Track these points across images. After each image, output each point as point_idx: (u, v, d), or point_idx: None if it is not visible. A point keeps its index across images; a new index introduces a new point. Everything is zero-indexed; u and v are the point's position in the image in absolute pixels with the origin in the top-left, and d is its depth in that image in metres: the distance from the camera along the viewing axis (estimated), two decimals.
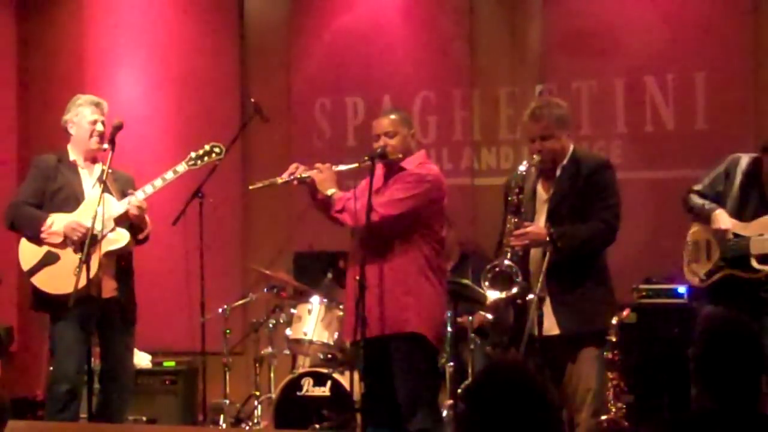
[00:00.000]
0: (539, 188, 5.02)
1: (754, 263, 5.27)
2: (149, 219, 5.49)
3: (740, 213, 5.36)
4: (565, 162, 4.94)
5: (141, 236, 5.50)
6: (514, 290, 4.81)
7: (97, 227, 5.11)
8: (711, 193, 5.44)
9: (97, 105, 5.52)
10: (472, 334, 6.29)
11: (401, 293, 5.00)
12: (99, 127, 5.48)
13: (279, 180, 5.16)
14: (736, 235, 5.32)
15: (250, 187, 5.40)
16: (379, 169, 5.15)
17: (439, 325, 5.20)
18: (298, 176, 5.14)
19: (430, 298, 5.07)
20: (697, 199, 5.45)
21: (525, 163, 4.95)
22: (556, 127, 4.87)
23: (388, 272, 5.00)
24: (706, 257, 5.42)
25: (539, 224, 4.89)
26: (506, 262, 4.80)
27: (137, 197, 5.37)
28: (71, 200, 5.41)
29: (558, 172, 4.94)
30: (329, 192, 5.09)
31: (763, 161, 5.32)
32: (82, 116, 5.49)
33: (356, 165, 5.14)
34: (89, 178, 5.50)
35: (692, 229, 5.53)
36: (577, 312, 4.82)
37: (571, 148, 4.95)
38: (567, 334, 4.81)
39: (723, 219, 5.34)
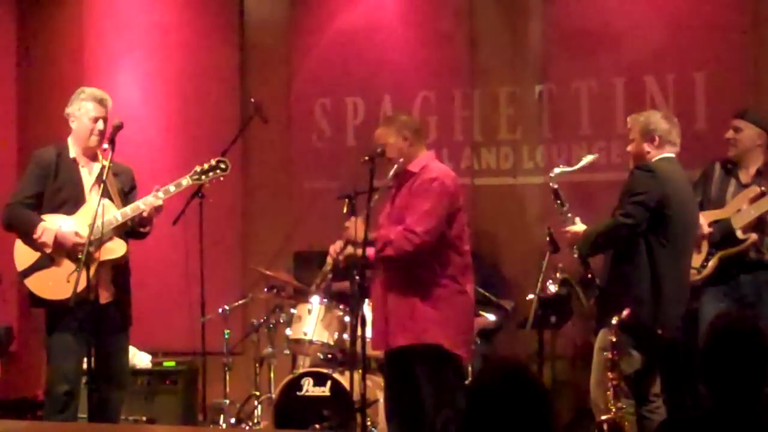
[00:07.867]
0: None
1: (740, 234, 5.53)
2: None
3: (722, 201, 5.64)
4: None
5: (144, 230, 5.45)
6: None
7: (95, 235, 5.09)
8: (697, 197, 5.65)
9: (101, 101, 5.40)
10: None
11: (423, 303, 4.98)
12: (100, 125, 5.38)
13: (327, 267, 5.59)
14: (717, 221, 5.56)
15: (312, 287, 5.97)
16: (394, 185, 5.18)
17: (462, 335, 5.14)
18: (344, 254, 5.26)
19: (453, 309, 5.04)
20: None
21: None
22: (639, 135, 5.17)
23: (412, 282, 4.99)
24: (696, 251, 5.57)
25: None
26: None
27: (157, 197, 5.32)
28: (71, 200, 5.36)
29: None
30: (369, 237, 5.03)
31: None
32: (84, 112, 5.40)
33: (376, 190, 5.10)
34: (89, 176, 5.44)
35: None
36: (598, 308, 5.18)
37: (656, 157, 5.11)
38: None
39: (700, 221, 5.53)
